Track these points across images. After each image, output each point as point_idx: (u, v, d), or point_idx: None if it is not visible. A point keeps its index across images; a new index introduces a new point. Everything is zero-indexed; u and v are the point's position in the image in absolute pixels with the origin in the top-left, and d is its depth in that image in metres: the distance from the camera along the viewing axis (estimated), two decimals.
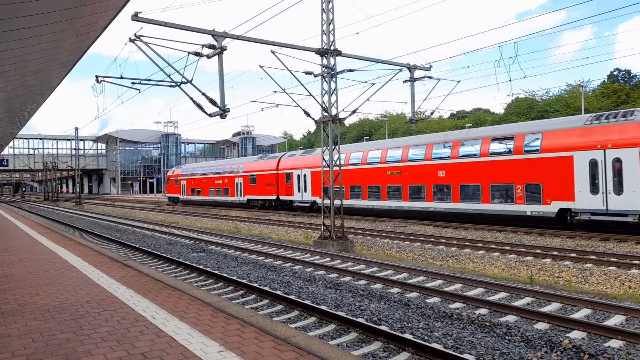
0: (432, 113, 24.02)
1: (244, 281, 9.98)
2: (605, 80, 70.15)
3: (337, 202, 16.66)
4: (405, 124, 26.86)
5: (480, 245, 14.72)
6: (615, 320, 7.47)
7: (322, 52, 16.38)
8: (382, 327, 6.75)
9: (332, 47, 16.33)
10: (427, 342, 6.20)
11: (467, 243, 15.21)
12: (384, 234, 18.12)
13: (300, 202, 30.75)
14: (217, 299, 6.77)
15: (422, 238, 16.68)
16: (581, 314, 7.86)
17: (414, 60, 21.85)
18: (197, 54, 14.57)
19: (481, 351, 6.09)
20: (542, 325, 7.21)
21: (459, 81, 20.72)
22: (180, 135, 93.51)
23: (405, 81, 20.22)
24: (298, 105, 18.21)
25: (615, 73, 70.69)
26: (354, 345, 6.45)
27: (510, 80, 19.02)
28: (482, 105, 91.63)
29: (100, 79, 16.39)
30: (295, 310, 8.05)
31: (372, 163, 25.76)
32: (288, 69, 16.59)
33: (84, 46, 11.01)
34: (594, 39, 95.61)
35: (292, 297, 8.65)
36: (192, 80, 14.91)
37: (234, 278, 10.34)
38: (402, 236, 17.34)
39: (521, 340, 6.60)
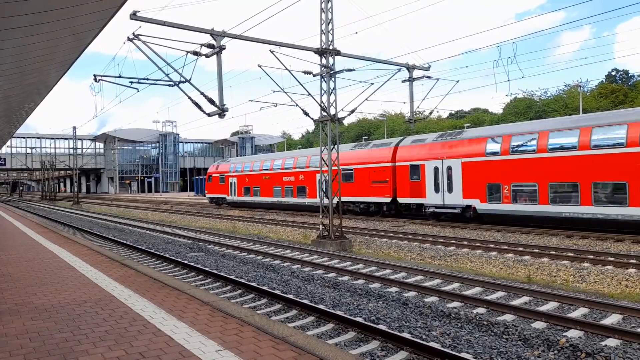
0: (430, 113, 24.08)
1: (242, 280, 9.98)
2: (604, 80, 70.35)
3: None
4: (404, 123, 27.08)
5: (478, 244, 14.74)
6: (612, 319, 7.49)
7: (321, 52, 16.38)
8: (380, 326, 6.75)
9: (331, 47, 16.33)
10: (425, 341, 6.21)
11: (465, 242, 15.24)
12: (382, 234, 18.13)
13: (441, 207, 21.94)
14: (216, 298, 6.77)
15: (420, 237, 16.70)
16: (578, 313, 7.88)
17: (413, 60, 21.83)
18: (195, 53, 14.56)
19: (479, 350, 6.11)
20: (539, 324, 7.22)
21: (457, 81, 20.77)
22: (178, 134, 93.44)
23: (404, 81, 20.24)
24: (297, 105, 18.22)
25: (613, 73, 70.94)
26: (352, 344, 6.46)
27: (508, 80, 19.09)
28: (480, 105, 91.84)
29: (98, 78, 16.38)
30: (293, 310, 8.05)
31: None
32: (287, 69, 16.60)
33: (82, 45, 10.99)
34: (592, 39, 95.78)
35: (291, 296, 8.66)
36: (190, 79, 14.90)
37: (233, 277, 10.34)
38: (400, 236, 17.36)
39: (519, 339, 6.61)
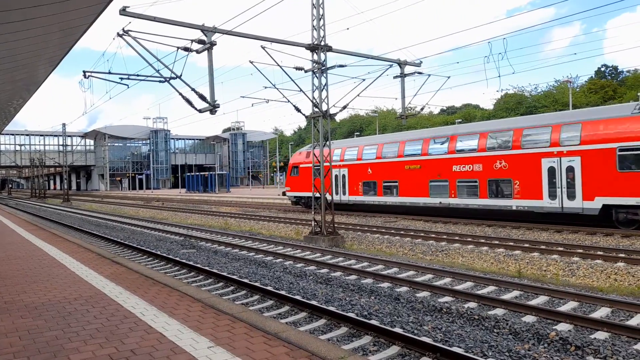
0: (422, 109, 24.16)
1: (234, 277, 9.97)
2: (593, 76, 70.91)
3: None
4: (396, 119, 27.55)
5: (469, 239, 14.83)
6: (601, 313, 7.59)
7: (313, 48, 16.35)
8: (373, 322, 6.78)
9: (322, 43, 16.30)
10: (417, 336, 6.24)
11: (457, 238, 15.32)
12: (375, 229, 18.19)
13: None
14: (208, 295, 6.76)
15: (412, 233, 16.77)
16: (568, 306, 7.97)
17: (404, 56, 21.88)
18: (186, 49, 14.47)
19: (470, 344, 6.15)
20: (529, 318, 7.29)
21: (448, 77, 20.80)
22: (169, 131, 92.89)
23: (395, 77, 20.26)
24: (288, 101, 18.20)
25: (602, 69, 71.50)
26: (344, 339, 6.48)
27: (499, 76, 19.16)
28: (471, 101, 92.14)
29: (87, 74, 16.20)
30: (285, 306, 8.06)
31: None
32: (278, 65, 16.54)
33: (71, 41, 10.88)
34: (582, 35, 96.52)
35: (283, 292, 8.67)
36: (181, 75, 14.81)
37: (225, 274, 10.32)
38: (392, 231, 17.42)
39: (509, 332, 6.67)
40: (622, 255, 11.68)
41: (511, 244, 13.93)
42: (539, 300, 8.38)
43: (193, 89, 14.40)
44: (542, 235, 15.84)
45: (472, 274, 10.36)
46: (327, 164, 27.92)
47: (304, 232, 17.72)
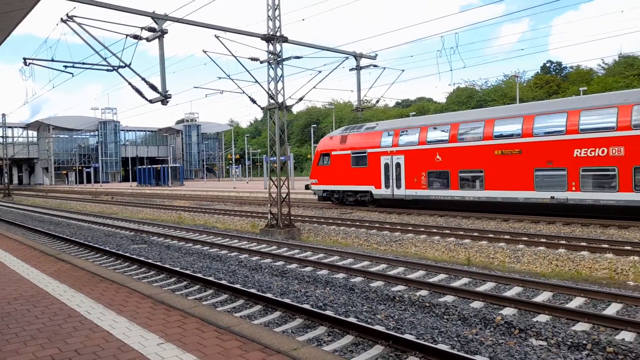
0: (377, 101, 24.44)
1: (187, 272, 9.77)
2: (539, 71, 74.06)
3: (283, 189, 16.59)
4: (352, 112, 27.16)
5: (422, 229, 15.21)
6: (543, 297, 7.98)
7: (268, 38, 16.15)
8: (327, 312, 6.84)
9: (278, 33, 16.12)
10: (370, 325, 6.35)
11: (410, 228, 15.67)
12: (331, 221, 18.32)
13: None
14: (158, 291, 6.59)
15: (367, 224, 17.01)
16: (513, 292, 8.33)
17: (360, 49, 22.03)
18: (136, 36, 13.91)
19: (421, 331, 6.32)
20: (477, 304, 7.57)
21: (403, 70, 21.09)
22: (119, 122, 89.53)
23: (351, 69, 20.35)
24: (243, 92, 17.90)
25: (548, 65, 74.73)
26: (299, 331, 6.49)
27: (451, 70, 19.69)
28: (425, 94, 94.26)
29: (28, 61, 15.29)
30: (240, 299, 7.98)
31: None
32: (233, 55, 16.23)
33: (10, 25, 10.23)
34: (530, 31, 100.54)
35: (238, 286, 8.58)
36: (130, 64, 14.23)
37: (177, 269, 10.09)
38: (348, 222, 17.60)
39: (458, 318, 6.91)
40: (563, 242, 12.33)
41: (461, 233, 14.39)
42: (487, 287, 8.71)
43: (143, 79, 13.87)
44: (490, 224, 16.46)
45: (424, 262, 10.64)
46: (375, 150, 22.97)
47: (260, 225, 17.60)
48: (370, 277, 9.49)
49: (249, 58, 17.05)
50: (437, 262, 10.96)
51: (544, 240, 12.73)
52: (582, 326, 6.49)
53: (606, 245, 11.52)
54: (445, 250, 12.72)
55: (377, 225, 16.70)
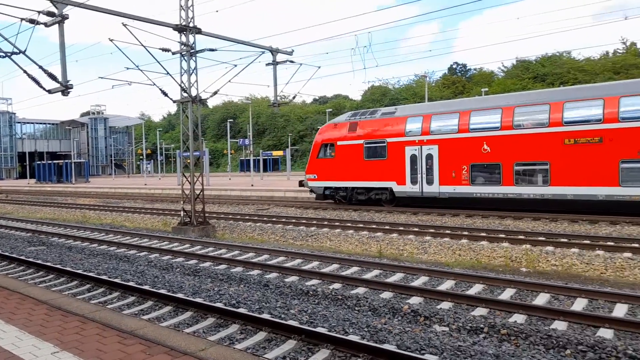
0: (294, 97, 24.51)
1: (90, 274, 9.14)
2: (447, 72, 78.76)
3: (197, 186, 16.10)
4: (269, 107, 26.51)
5: (337, 224, 15.55)
6: (447, 285, 8.51)
7: (181, 29, 15.53)
8: (240, 310, 6.75)
9: (191, 24, 15.57)
10: (284, 320, 6.36)
11: (326, 222, 15.95)
12: (247, 217, 18.11)
13: None
14: (55, 296, 6.09)
15: (284, 220, 17.04)
16: (420, 281, 8.79)
17: (277, 44, 21.94)
18: (32, 21, 12.69)
19: (333, 323, 6.46)
20: (387, 295, 7.89)
21: (319, 67, 21.37)
22: (14, 114, 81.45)
23: (268, 64, 20.21)
24: (154, 84, 17.08)
25: (454, 66, 79.68)
26: (211, 330, 6.34)
27: (365, 69, 20.43)
28: (341, 92, 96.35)
29: None
30: (149, 301, 7.62)
31: None
32: (142, 45, 15.38)
33: None
34: (439, 33, 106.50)
35: (146, 287, 8.18)
36: (25, 50, 12.98)
37: (79, 271, 9.40)
38: (264, 219, 17.52)
39: (369, 309, 7.15)
40: (466, 233, 13.24)
41: (374, 226, 14.92)
42: (396, 277, 9.11)
43: (40, 67, 12.71)
44: (401, 217, 17.24)
45: (338, 256, 10.87)
46: (398, 139, 18.63)
47: (173, 223, 16.94)
48: (285, 273, 9.52)
49: (160, 49, 16.29)
50: (350, 256, 11.26)
51: (449, 232, 13.57)
52: (480, 311, 7.00)
53: (503, 235, 12.53)
54: (358, 243, 13.11)
55: (293, 220, 16.79)
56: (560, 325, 6.27)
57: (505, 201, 16.31)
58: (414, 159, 18.25)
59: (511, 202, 16.22)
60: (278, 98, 21.01)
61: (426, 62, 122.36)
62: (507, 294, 7.81)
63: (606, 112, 14.31)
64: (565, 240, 11.59)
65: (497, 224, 14.95)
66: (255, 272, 9.72)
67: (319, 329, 5.97)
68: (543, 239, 11.80)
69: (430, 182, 17.89)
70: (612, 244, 10.89)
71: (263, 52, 19.34)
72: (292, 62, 20.64)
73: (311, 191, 22.05)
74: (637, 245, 10.63)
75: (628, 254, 9.97)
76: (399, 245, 12.54)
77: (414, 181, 18.27)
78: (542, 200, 15.55)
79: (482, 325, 6.23)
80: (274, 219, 17.22)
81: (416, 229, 13.98)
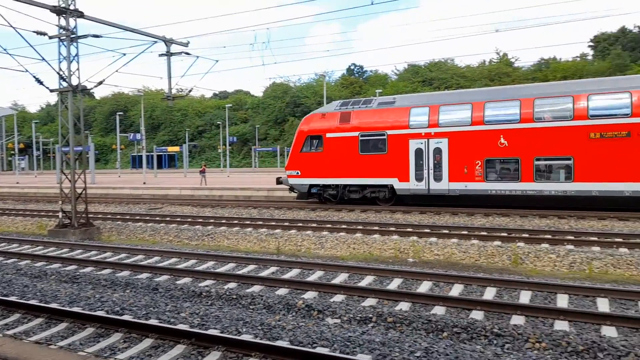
0: (190, 91, 23.53)
1: None
2: (345, 72, 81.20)
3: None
4: (162, 100, 25.20)
5: (235, 222, 15.24)
6: (341, 278, 8.73)
7: (59, 11, 14.08)
8: (125, 317, 6.29)
9: (72, 6, 14.18)
10: (173, 325, 6.04)
11: (224, 221, 15.55)
12: (138, 218, 17.03)
13: None
14: None
15: (178, 219, 16.30)
16: (315, 276, 8.91)
17: (172, 34, 20.88)
18: None
19: (226, 324, 6.27)
20: (282, 291, 7.88)
21: (217, 61, 20.73)
22: None
23: (161, 55, 19.12)
24: (27, 71, 15.31)
25: (352, 67, 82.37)
26: (89, 341, 5.81)
27: (263, 65, 20.29)
28: (242, 87, 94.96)
29: None
30: (16, 314, 6.79)
31: None
32: (11, 26, 13.69)
33: None
34: (339, 33, 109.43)
35: (13, 298, 7.29)
36: None
37: None
38: (157, 218, 16.60)
39: (263, 307, 7.07)
40: (360, 227, 13.71)
41: (273, 223, 14.86)
42: (292, 274, 9.14)
43: None
44: (300, 214, 17.40)
45: (235, 255, 10.65)
46: (400, 131, 17.00)
47: (50, 226, 15.36)
48: (177, 275, 9.08)
49: (35, 32, 14.64)
50: (248, 254, 11.09)
51: (345, 226, 13.96)
52: (370, 301, 7.27)
53: (393, 229, 13.19)
54: (257, 241, 12.96)
55: (189, 219, 16.13)
56: (439, 310, 6.74)
57: (524, 198, 15.54)
58: (419, 153, 16.85)
59: (530, 199, 15.47)
60: (173, 91, 20.05)
61: (327, 62, 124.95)
62: (394, 284, 8.21)
63: (635, 104, 13.91)
64: (447, 231, 12.53)
65: (389, 218, 15.72)
66: (144, 275, 9.15)
67: (211, 331, 5.77)
68: (428, 230, 12.64)
69: (438, 178, 16.59)
70: (485, 233, 12.00)
71: (155, 42, 18.27)
72: (187, 54, 19.75)
73: (291, 190, 19.85)
74: (505, 234, 11.83)
75: (498, 242, 11.05)
76: (297, 241, 12.61)
77: (419, 177, 16.88)
78: (564, 197, 15.06)
79: (371, 315, 6.46)
80: (167, 219, 16.39)
81: (314, 225, 14.19)
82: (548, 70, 57.83)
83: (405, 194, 17.28)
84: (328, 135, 18.32)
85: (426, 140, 16.65)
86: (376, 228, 13.35)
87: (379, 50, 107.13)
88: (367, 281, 8.48)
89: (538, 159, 15.20)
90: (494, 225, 13.72)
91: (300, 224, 14.48)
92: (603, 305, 6.88)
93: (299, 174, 18.85)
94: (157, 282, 8.44)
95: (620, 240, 10.81)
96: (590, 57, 60.62)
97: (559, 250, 10.14)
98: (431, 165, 16.62)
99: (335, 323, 6.40)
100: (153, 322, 6.11)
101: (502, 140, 15.59)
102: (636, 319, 6.09)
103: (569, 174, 14.80)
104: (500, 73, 59.67)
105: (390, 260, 10.67)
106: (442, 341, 5.66)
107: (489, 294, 7.52)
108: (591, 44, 61.85)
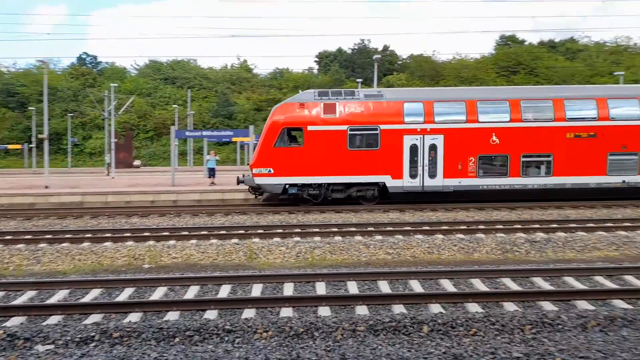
0: None
1: None
2: (75, 62, 71.86)
3: None
4: None
5: None
6: (59, 296, 7.50)
7: None
8: None
9: None
10: None
11: None
12: None
13: None
14: None
15: None
16: (25, 297, 7.44)
17: None
18: None
19: None
20: None
21: None
22: None
23: None
24: None
25: (84, 57, 73.46)
26: None
27: None
28: None
29: None
30: None
31: None
32: None
33: None
34: (69, 16, 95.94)
35: None
36: None
37: None
38: None
39: None
40: (89, 235, 12.15)
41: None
42: None
43: None
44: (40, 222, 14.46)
45: None
46: (395, 126, 16.17)
47: None
48: None
49: None
50: None
51: (69, 235, 12.17)
52: (94, 318, 6.48)
53: (128, 234, 12.15)
54: None
55: None
56: (173, 315, 6.49)
57: (511, 192, 16.79)
58: (414, 149, 16.36)
59: (517, 192, 16.81)
60: None
61: (51, 47, 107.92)
62: (125, 294, 7.55)
63: (600, 112, 16.50)
64: (186, 232, 12.32)
65: (124, 223, 14.51)
66: None
67: None
68: (167, 233, 12.17)
69: (432, 175, 16.42)
70: (224, 232, 12.25)
71: None
72: None
73: (254, 191, 17.25)
74: (242, 232, 12.35)
75: (235, 240, 11.43)
76: (3, 257, 10.33)
77: (413, 174, 16.43)
78: (544, 190, 16.83)
79: (93, 334, 5.74)
80: None
81: (29, 237, 11.92)
82: (282, 79, 63.92)
83: (398, 191, 16.73)
84: (310, 128, 16.34)
85: (421, 136, 16.42)
86: (108, 235, 12.12)
87: (116, 41, 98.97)
88: (92, 295, 7.54)
89: (525, 156, 16.61)
90: (233, 223, 14.22)
91: (30, 237, 11.98)
92: (321, 288, 7.81)
93: (272, 172, 16.34)
94: None
95: (336, 230, 12.52)
96: (315, 71, 69.60)
97: (288, 242, 11.14)
98: (426, 161, 16.46)
99: (47, 350, 5.44)
100: None
101: (494, 138, 16.48)
102: (345, 297, 7.11)
103: (548, 169, 16.61)
104: (240, 77, 62.89)
105: (123, 268, 9.78)
106: (173, 348, 5.44)
107: (224, 291, 7.65)
108: (316, 59, 71.04)
